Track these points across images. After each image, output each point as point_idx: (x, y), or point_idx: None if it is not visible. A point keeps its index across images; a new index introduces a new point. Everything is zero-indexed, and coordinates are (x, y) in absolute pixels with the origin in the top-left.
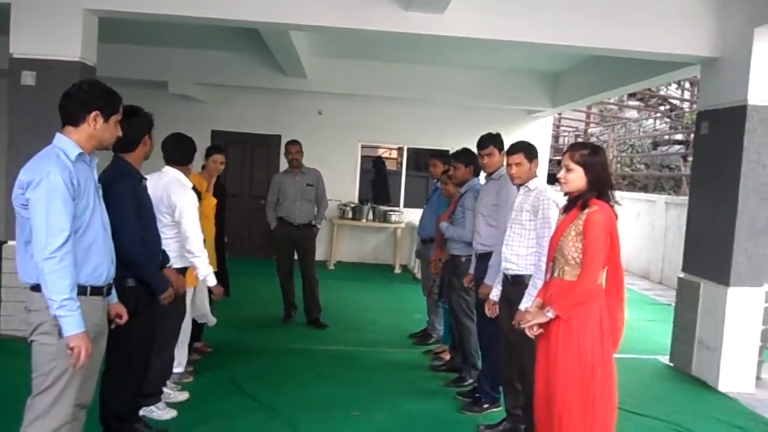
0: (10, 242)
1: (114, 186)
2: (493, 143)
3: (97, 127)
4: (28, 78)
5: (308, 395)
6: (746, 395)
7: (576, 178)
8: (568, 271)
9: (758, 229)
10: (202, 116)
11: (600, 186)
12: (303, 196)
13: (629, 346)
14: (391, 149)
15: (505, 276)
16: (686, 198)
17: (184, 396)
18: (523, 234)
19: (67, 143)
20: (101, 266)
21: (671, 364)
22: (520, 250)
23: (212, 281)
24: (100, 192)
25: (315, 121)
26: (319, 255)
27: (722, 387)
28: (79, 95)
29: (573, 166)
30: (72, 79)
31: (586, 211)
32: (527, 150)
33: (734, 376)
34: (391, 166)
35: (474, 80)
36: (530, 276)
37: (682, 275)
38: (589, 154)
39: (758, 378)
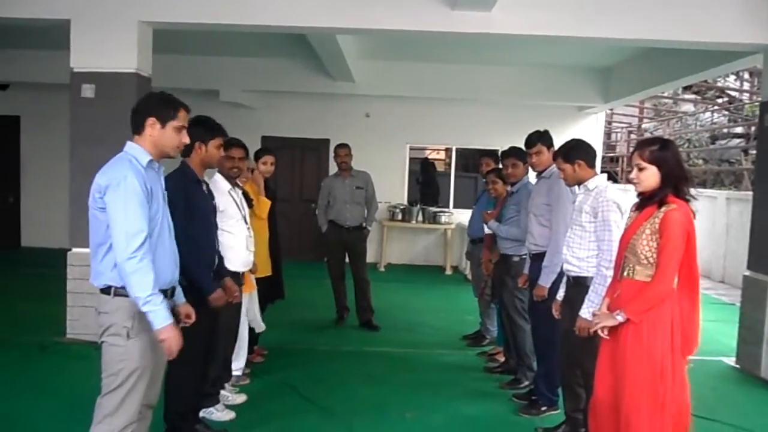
0: (75, 249)
1: (167, 186)
2: (541, 141)
3: (154, 133)
4: (87, 90)
5: (362, 397)
6: None
7: (650, 176)
8: (639, 270)
9: None
10: (252, 123)
11: (675, 181)
12: (353, 199)
13: None
14: (439, 150)
15: (567, 277)
16: (749, 193)
17: (241, 398)
18: (583, 236)
19: (137, 150)
20: (166, 269)
21: (737, 366)
22: (581, 253)
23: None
24: (166, 197)
25: (363, 124)
26: (370, 257)
27: None
28: (138, 105)
29: (644, 164)
30: (129, 90)
31: (663, 209)
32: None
33: None
34: (439, 167)
35: (523, 78)
36: (592, 278)
37: (747, 273)
38: (659, 149)
39: None
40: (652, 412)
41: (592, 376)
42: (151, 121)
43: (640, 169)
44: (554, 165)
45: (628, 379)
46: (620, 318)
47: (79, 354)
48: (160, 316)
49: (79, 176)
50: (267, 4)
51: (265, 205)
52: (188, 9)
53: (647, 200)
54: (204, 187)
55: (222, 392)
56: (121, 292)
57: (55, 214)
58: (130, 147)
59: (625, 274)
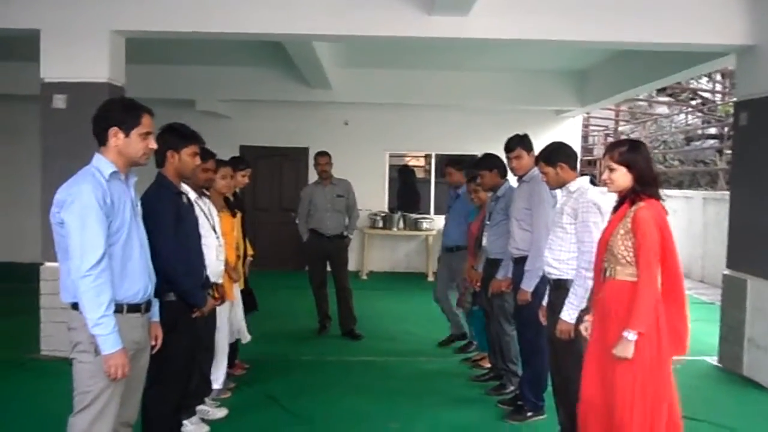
0: (47, 264)
1: (150, 199)
2: (520, 145)
3: (119, 143)
4: (59, 101)
5: (346, 407)
6: None
7: (620, 176)
8: (619, 270)
9: None
10: (229, 132)
11: (646, 181)
12: (333, 207)
13: None
14: (419, 157)
15: (549, 281)
16: (724, 193)
17: (222, 413)
18: (564, 238)
19: (102, 162)
20: (137, 284)
21: (720, 365)
22: (562, 255)
23: None
24: (138, 209)
25: (342, 131)
26: (352, 265)
27: None
28: (99, 114)
29: (614, 165)
30: (101, 101)
31: (633, 208)
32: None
33: None
34: (419, 173)
35: (500, 83)
36: (572, 280)
37: (727, 272)
38: (629, 151)
39: None
40: (644, 414)
41: (574, 382)
42: (114, 131)
43: (611, 170)
44: (535, 169)
45: (617, 382)
46: (632, 337)
47: (54, 371)
48: (109, 341)
49: (52, 189)
50: (242, 11)
51: (225, 221)
52: (161, 17)
53: (621, 201)
54: (184, 199)
55: (202, 407)
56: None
57: (28, 227)
58: (96, 159)
59: (607, 274)
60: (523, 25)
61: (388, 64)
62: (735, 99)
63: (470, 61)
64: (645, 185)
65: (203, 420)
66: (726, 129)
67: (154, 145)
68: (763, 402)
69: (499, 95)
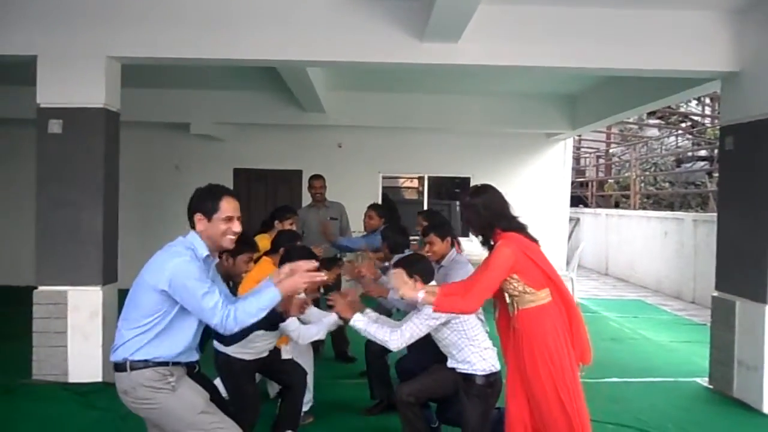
0: (41, 288)
1: None
2: (433, 231)
3: (203, 228)
4: (54, 126)
5: (339, 430)
6: None
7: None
8: (517, 300)
9: None
10: (224, 155)
11: (495, 221)
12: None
13: (666, 369)
14: (412, 178)
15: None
16: (715, 215)
17: None
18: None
19: (198, 242)
20: (190, 348)
21: (711, 387)
22: (463, 356)
23: None
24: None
25: (335, 154)
26: (344, 287)
27: (767, 408)
28: (189, 201)
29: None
30: (97, 125)
31: (494, 246)
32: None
33: None
34: (412, 195)
35: (491, 106)
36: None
37: (716, 294)
38: (471, 195)
39: None
40: (568, 425)
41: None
42: (198, 216)
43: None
44: (453, 252)
45: (538, 396)
46: (421, 295)
47: (47, 395)
48: (275, 297)
49: (47, 213)
50: (236, 37)
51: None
52: (157, 44)
53: (485, 243)
54: None
55: None
56: (136, 365)
57: (24, 251)
58: (193, 237)
59: (516, 306)
60: (511, 52)
61: (381, 87)
62: (720, 123)
63: (462, 85)
64: (496, 224)
65: None
66: (715, 151)
67: (238, 228)
68: (752, 423)
69: (490, 119)
